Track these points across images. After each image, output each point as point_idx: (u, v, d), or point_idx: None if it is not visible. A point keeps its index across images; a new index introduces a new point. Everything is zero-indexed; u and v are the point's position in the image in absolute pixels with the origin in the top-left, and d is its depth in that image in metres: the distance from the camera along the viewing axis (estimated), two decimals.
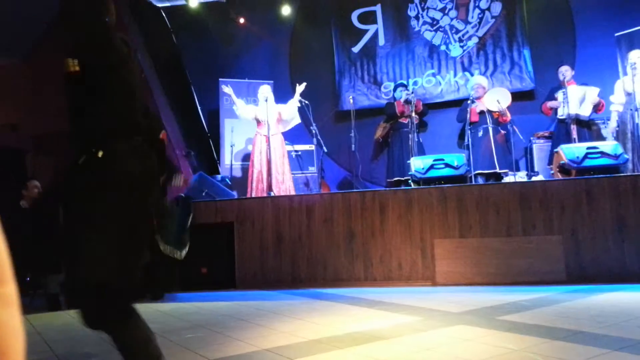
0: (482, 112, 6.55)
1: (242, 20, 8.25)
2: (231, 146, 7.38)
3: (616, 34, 6.79)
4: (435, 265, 4.81)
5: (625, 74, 6.14)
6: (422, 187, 5.32)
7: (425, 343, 2.69)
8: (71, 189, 1.78)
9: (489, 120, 6.49)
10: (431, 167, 5.56)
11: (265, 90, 6.65)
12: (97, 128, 1.77)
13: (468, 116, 6.43)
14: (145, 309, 4.22)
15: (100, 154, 1.72)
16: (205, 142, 8.11)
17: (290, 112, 6.72)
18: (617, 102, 6.03)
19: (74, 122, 1.82)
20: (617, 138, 6.09)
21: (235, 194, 6.59)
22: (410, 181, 6.00)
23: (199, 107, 8.11)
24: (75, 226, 1.75)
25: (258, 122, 6.70)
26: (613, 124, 6.10)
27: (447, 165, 5.53)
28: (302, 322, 3.38)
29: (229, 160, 7.41)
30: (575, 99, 6.11)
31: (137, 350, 1.76)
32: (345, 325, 3.23)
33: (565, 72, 6.27)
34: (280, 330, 3.19)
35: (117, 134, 1.79)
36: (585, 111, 6.11)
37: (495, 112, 6.48)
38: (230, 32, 8.44)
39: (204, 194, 5.89)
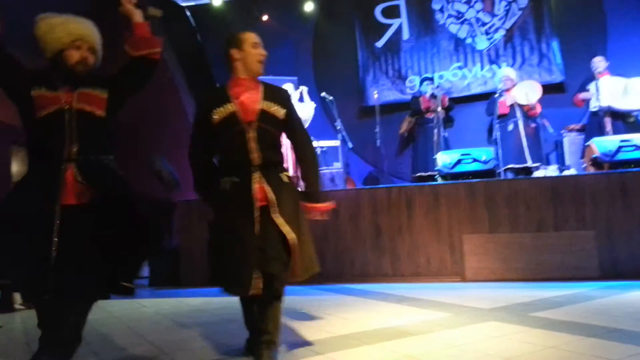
0: (511, 105, 6.40)
1: (265, 18, 8.28)
2: None
3: None
4: (464, 261, 4.75)
5: None
6: (449, 182, 5.25)
7: (455, 339, 2.65)
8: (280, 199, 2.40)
9: (518, 113, 6.33)
10: (458, 161, 5.48)
11: (289, 88, 6.64)
12: (281, 157, 2.60)
13: (497, 109, 6.30)
14: (174, 303, 4.28)
15: (285, 176, 2.51)
16: None
17: (307, 112, 6.69)
18: None
19: (262, 150, 2.47)
20: None
21: None
22: (437, 176, 5.92)
23: None
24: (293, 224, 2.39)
25: None
26: None
27: (475, 159, 5.44)
28: (330, 318, 3.38)
29: None
30: (609, 91, 5.88)
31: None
32: (374, 320, 3.22)
33: (599, 63, 6.09)
34: (308, 325, 3.19)
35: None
36: (635, 104, 5.84)
37: (524, 105, 6.33)
38: (253, 30, 8.45)
39: None
